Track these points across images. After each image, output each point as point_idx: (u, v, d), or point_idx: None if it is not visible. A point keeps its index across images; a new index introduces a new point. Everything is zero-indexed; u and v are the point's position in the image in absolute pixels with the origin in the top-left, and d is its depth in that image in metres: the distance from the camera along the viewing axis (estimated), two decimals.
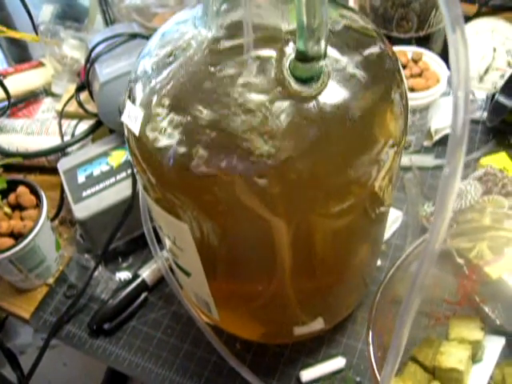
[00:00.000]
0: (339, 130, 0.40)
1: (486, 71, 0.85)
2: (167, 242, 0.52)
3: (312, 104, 0.38)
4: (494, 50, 0.85)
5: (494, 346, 0.58)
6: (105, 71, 0.75)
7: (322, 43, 0.36)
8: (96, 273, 0.71)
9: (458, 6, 0.24)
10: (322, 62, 0.37)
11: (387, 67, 0.44)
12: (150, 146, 0.42)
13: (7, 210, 0.69)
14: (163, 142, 0.40)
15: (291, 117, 0.38)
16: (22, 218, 0.69)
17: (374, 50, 0.44)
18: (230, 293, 0.55)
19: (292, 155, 0.38)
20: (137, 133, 0.43)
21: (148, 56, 0.46)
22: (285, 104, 0.38)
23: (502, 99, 0.77)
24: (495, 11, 0.96)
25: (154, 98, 0.42)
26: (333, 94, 0.39)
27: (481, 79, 0.85)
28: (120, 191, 0.71)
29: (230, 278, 0.53)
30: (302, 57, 0.37)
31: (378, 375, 0.44)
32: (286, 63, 0.38)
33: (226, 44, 0.41)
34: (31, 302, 0.72)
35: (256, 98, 0.38)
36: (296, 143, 0.38)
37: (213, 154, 0.39)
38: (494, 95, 0.78)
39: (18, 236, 0.67)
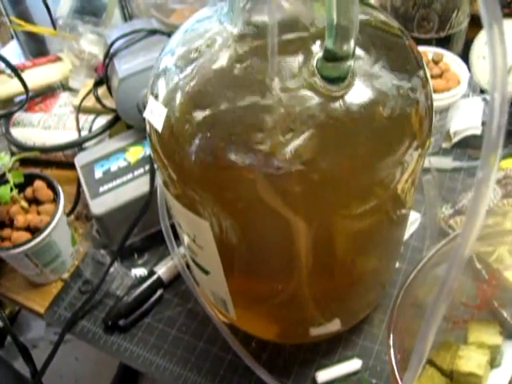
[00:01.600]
0: (365, 130, 0.39)
1: (508, 73, 0.84)
2: (186, 240, 0.52)
3: (338, 103, 0.38)
4: None
5: None
6: (124, 67, 0.75)
7: (351, 43, 0.35)
8: (112, 269, 0.70)
9: (495, 2, 0.23)
10: (349, 62, 0.37)
11: (413, 67, 0.43)
12: (173, 141, 0.42)
13: (24, 204, 0.69)
14: (186, 137, 0.40)
15: (317, 116, 0.38)
16: (38, 213, 0.69)
17: (399, 49, 0.44)
18: (248, 292, 0.55)
19: (316, 155, 0.38)
20: (159, 129, 0.42)
21: (170, 53, 0.45)
22: (311, 103, 0.38)
23: None
24: None
25: (178, 94, 0.42)
26: (359, 94, 0.39)
27: None
28: (137, 187, 0.70)
29: (248, 277, 0.52)
30: (330, 56, 0.36)
31: (398, 378, 0.44)
32: (314, 62, 0.38)
33: (252, 40, 0.40)
34: (46, 296, 0.72)
35: (282, 95, 0.38)
36: (321, 143, 0.38)
37: (236, 150, 0.38)
38: None
39: (34, 230, 0.67)
